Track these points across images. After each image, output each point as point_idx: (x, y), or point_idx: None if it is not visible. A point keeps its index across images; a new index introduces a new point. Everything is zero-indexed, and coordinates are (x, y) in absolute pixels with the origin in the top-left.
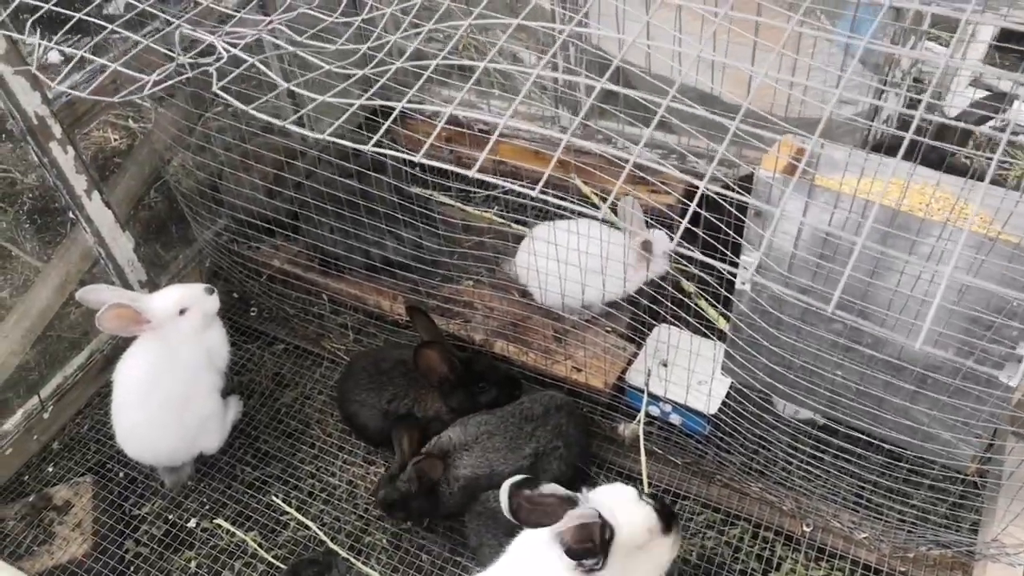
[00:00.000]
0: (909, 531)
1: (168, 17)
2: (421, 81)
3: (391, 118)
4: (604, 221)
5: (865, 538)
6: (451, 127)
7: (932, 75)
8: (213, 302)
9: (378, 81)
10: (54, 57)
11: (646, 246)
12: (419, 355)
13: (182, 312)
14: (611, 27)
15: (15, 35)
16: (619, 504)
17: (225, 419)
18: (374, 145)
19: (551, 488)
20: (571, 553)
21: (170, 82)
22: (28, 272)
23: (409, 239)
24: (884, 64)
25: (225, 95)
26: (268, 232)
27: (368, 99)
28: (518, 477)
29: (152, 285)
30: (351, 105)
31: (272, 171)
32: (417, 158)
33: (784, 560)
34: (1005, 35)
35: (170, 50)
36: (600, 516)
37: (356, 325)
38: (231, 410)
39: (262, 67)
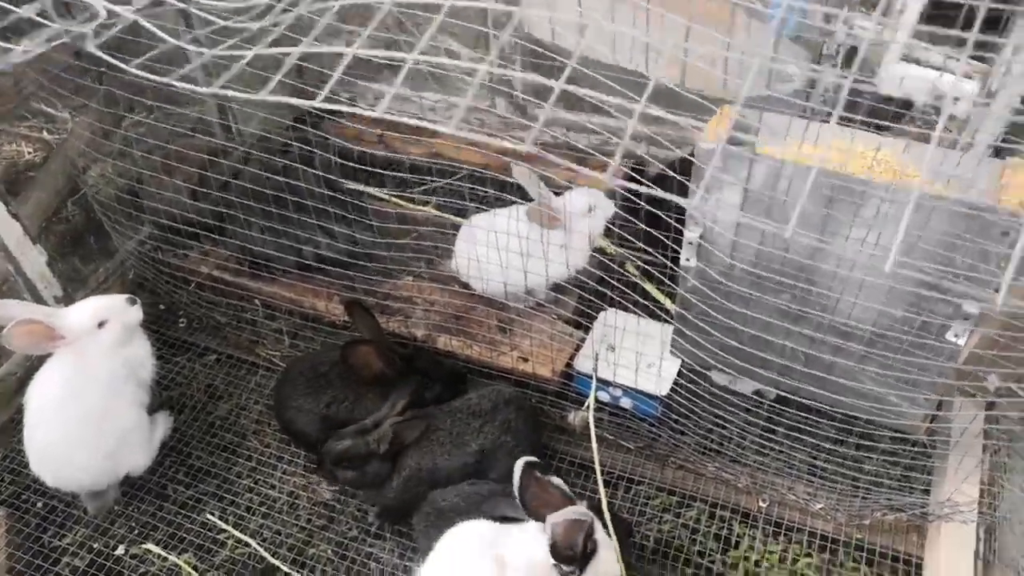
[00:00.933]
0: (864, 498)
1: None
2: (342, 66)
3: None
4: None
5: (821, 509)
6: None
7: (867, 49)
8: (135, 313)
9: (277, 32)
10: None
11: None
12: (350, 352)
13: (101, 325)
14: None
15: None
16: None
17: (152, 436)
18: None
19: (558, 481)
20: (555, 550)
21: (42, 49)
22: None
23: (342, 235)
24: (819, 41)
25: (105, 55)
26: (195, 238)
27: (270, 51)
28: (532, 458)
29: (69, 300)
30: (244, 57)
31: (196, 171)
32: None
33: (742, 538)
34: (936, 5)
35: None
36: (592, 522)
37: (292, 330)
38: (159, 427)
39: (145, 23)
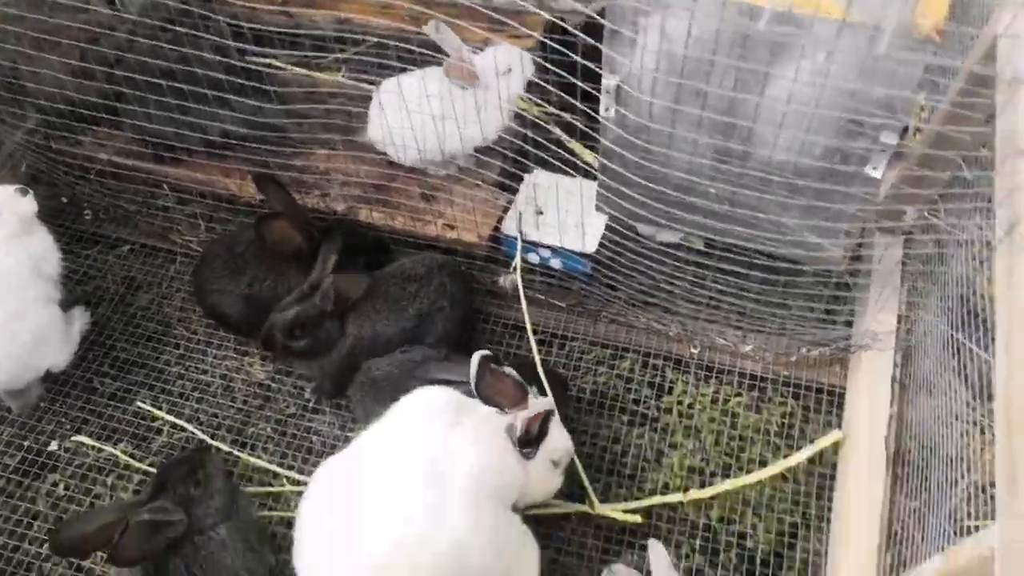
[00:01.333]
0: (790, 336)
1: None
2: None
3: None
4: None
5: (750, 350)
6: None
7: None
8: (28, 204)
9: None
10: None
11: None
12: (264, 228)
13: None
14: None
15: None
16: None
17: (70, 332)
18: None
19: (511, 372)
20: (523, 440)
21: None
22: None
23: (244, 107)
24: None
25: None
26: (88, 122)
27: None
28: (486, 352)
29: None
30: None
31: (80, 47)
32: None
33: (675, 383)
34: None
35: None
36: (551, 411)
37: (206, 213)
38: (76, 322)
39: None
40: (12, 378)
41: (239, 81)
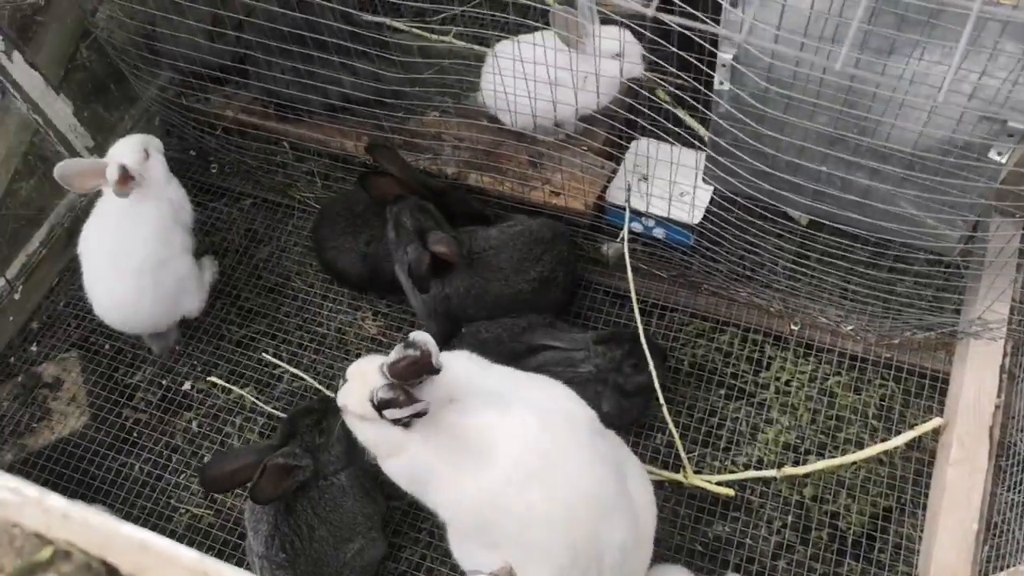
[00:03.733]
0: (894, 319)
1: None
2: None
3: None
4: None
5: (851, 330)
6: None
7: None
8: (157, 140)
9: None
10: None
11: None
12: (369, 184)
13: (146, 156)
14: None
15: None
16: None
17: (202, 280)
18: None
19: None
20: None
21: None
22: None
23: (366, 71)
24: None
25: None
26: (217, 81)
27: None
28: None
29: (100, 150)
30: None
31: (209, 11)
32: None
33: (773, 359)
34: None
35: None
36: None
37: (323, 171)
38: (207, 271)
39: None
40: (156, 323)
41: (360, 47)
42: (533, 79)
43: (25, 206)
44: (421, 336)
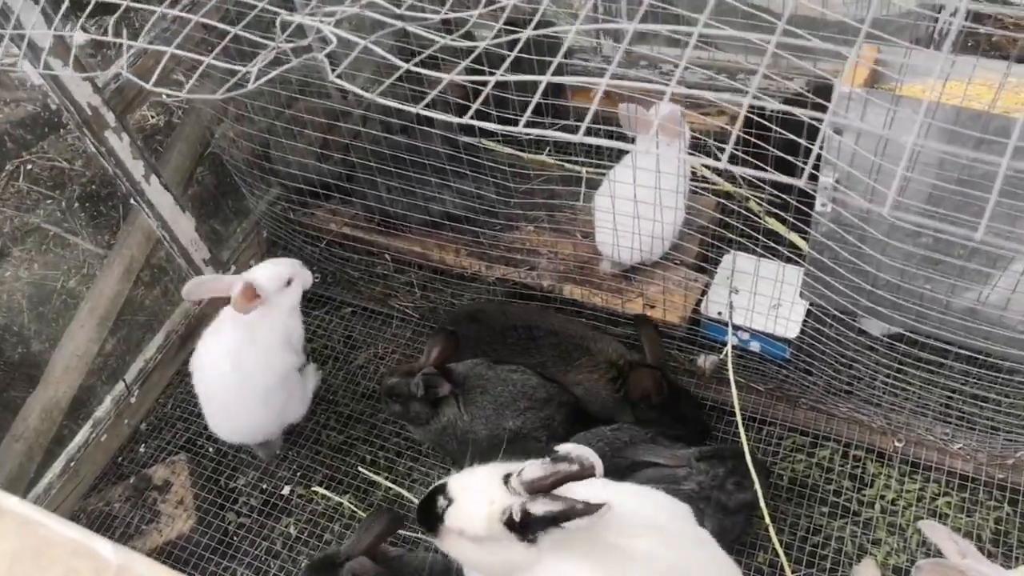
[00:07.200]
0: (1006, 438)
1: None
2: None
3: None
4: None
5: (960, 449)
6: None
7: None
8: (309, 276)
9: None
10: (78, 39)
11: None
12: (638, 376)
13: (288, 284)
14: None
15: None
16: None
17: (306, 390)
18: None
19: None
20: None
21: (275, 72)
22: (89, 259)
23: (467, 191)
24: None
25: (346, 84)
26: (321, 197)
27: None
28: None
29: (215, 262)
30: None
31: (319, 135)
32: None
33: (877, 477)
34: None
35: (266, 36)
36: None
37: (421, 282)
38: (310, 379)
39: (376, 48)
40: (267, 435)
41: (460, 169)
42: (640, 215)
43: (143, 313)
44: (579, 450)
